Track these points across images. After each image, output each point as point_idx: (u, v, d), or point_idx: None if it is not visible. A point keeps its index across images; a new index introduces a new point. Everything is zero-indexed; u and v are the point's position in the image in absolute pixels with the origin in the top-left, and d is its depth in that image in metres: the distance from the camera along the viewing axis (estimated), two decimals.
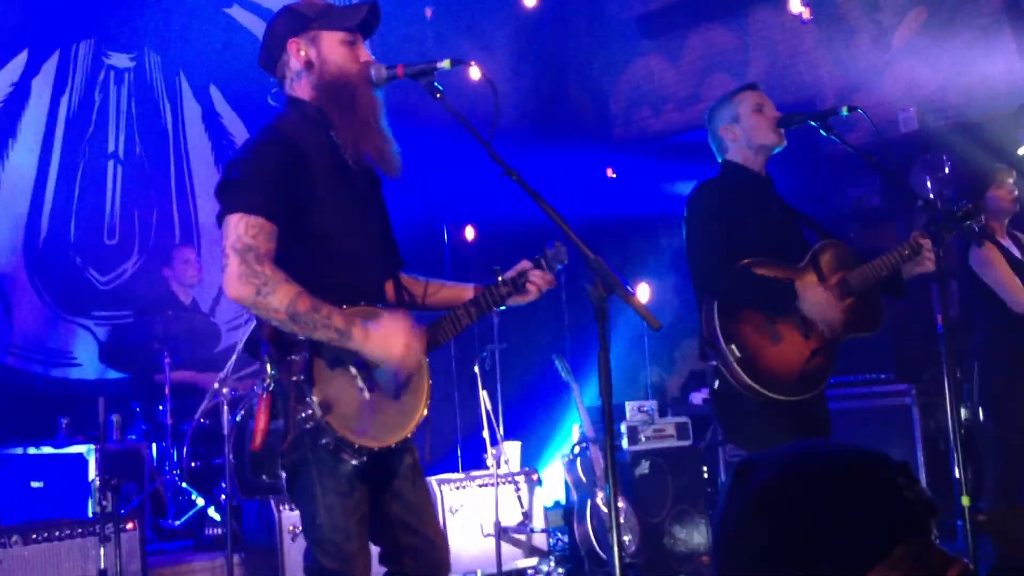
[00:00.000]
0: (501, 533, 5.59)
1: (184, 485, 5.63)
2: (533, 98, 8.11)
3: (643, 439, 6.17)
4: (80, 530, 4.44)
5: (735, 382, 3.72)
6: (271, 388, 2.79)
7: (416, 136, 7.84)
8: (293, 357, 2.75)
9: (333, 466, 2.76)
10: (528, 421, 7.13)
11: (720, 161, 4.08)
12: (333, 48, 2.92)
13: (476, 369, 6.11)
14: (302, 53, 2.92)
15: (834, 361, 3.83)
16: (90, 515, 5.38)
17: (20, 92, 6.63)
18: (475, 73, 3.51)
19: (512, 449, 6.33)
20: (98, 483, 5.29)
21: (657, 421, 6.32)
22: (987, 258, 5.03)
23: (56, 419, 5.81)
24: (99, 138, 6.98)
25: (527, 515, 5.80)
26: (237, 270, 2.67)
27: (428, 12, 8.13)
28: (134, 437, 5.99)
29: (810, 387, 3.79)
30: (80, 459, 5.52)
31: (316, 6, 2.97)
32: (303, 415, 2.72)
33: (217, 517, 5.47)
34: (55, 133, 6.79)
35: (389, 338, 2.74)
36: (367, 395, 2.78)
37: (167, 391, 5.65)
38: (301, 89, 2.96)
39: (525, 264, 3.18)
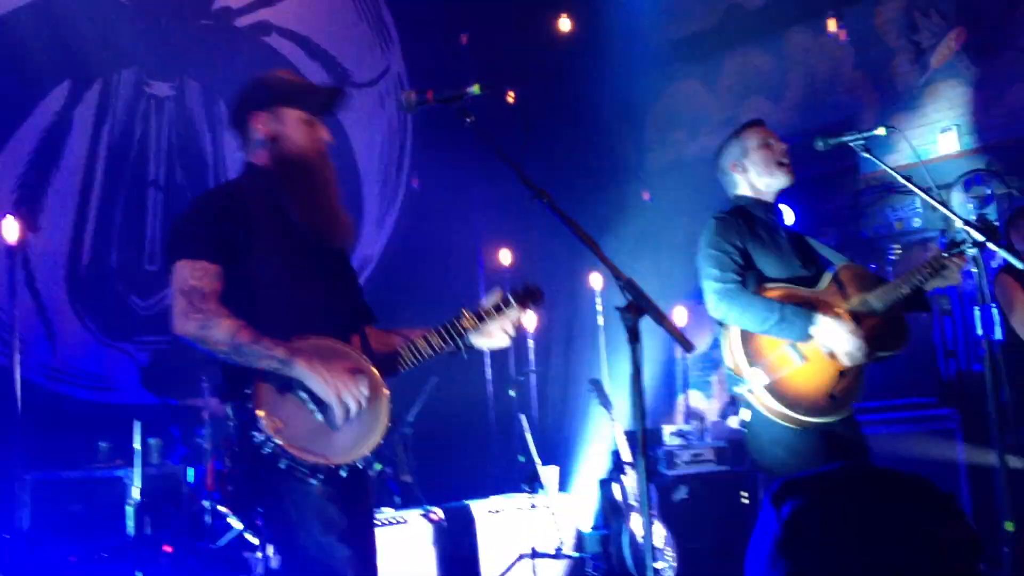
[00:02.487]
0: (536, 557, 5.55)
1: (220, 508, 5.65)
2: (569, 122, 8.11)
3: (681, 464, 6.12)
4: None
5: (763, 408, 3.73)
6: (232, 426, 2.94)
7: (450, 158, 7.96)
8: (245, 390, 2.89)
9: (297, 487, 2.84)
10: (566, 445, 7.09)
11: (731, 197, 4.16)
12: (294, 126, 3.10)
13: (512, 393, 6.10)
14: (265, 127, 3.10)
15: (862, 381, 3.82)
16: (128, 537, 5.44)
17: (63, 122, 6.73)
18: (506, 97, 3.53)
19: (549, 473, 6.29)
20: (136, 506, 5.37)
21: (695, 446, 6.26)
22: (1000, 283, 5.07)
23: (95, 443, 5.88)
24: (140, 166, 7.08)
25: (563, 540, 5.75)
26: (182, 309, 2.89)
27: (464, 39, 8.19)
28: (172, 462, 6.02)
29: (840, 409, 3.77)
30: (119, 482, 5.56)
31: (284, 82, 3.16)
32: (256, 442, 2.82)
33: (255, 540, 5.48)
34: (97, 161, 6.89)
35: (332, 366, 2.86)
36: (319, 417, 2.88)
37: (206, 416, 5.68)
38: (259, 158, 3.13)
39: (495, 298, 3.24)
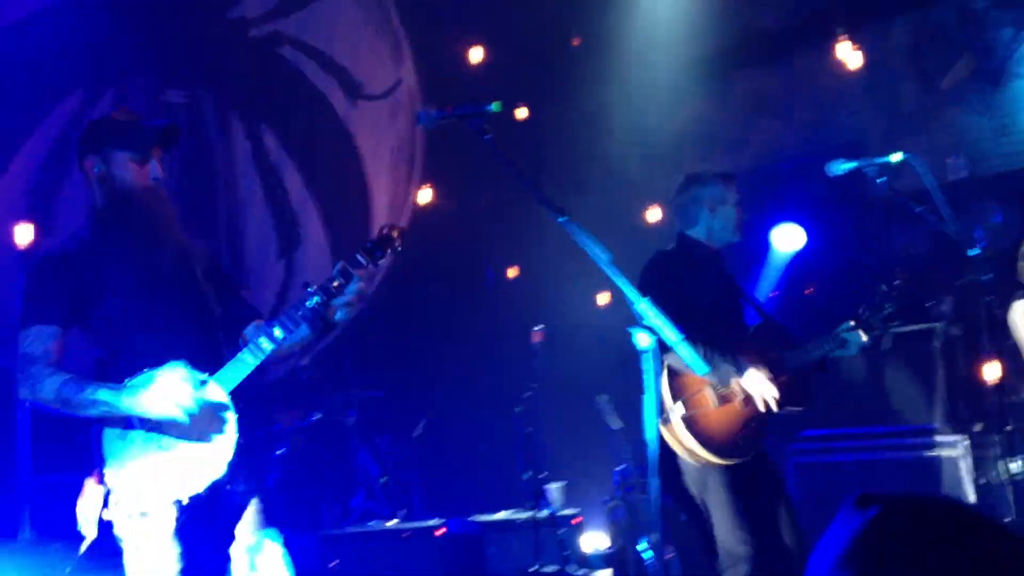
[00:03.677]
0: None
1: None
2: (579, 139, 8.13)
3: None
4: None
5: (675, 441, 3.95)
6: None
7: (459, 172, 7.97)
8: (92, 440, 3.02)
9: (151, 528, 2.96)
10: (572, 462, 7.08)
11: (678, 232, 4.34)
12: (124, 166, 3.20)
13: (517, 409, 6.11)
14: (95, 170, 3.22)
15: (766, 431, 4.09)
16: None
17: (76, 128, 6.76)
18: (521, 114, 3.53)
19: (555, 491, 6.28)
20: None
21: None
22: (1012, 316, 5.09)
23: None
24: None
25: (568, 559, 5.75)
26: (20, 376, 3.03)
27: (479, 50, 8.18)
28: None
29: (744, 452, 4.00)
30: None
31: (115, 123, 3.25)
32: (107, 495, 2.97)
33: None
34: None
35: (153, 395, 2.93)
36: (164, 452, 2.99)
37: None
38: (98, 198, 3.24)
39: (340, 265, 3.27)
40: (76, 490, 5.56)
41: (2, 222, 6.12)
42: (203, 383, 3.03)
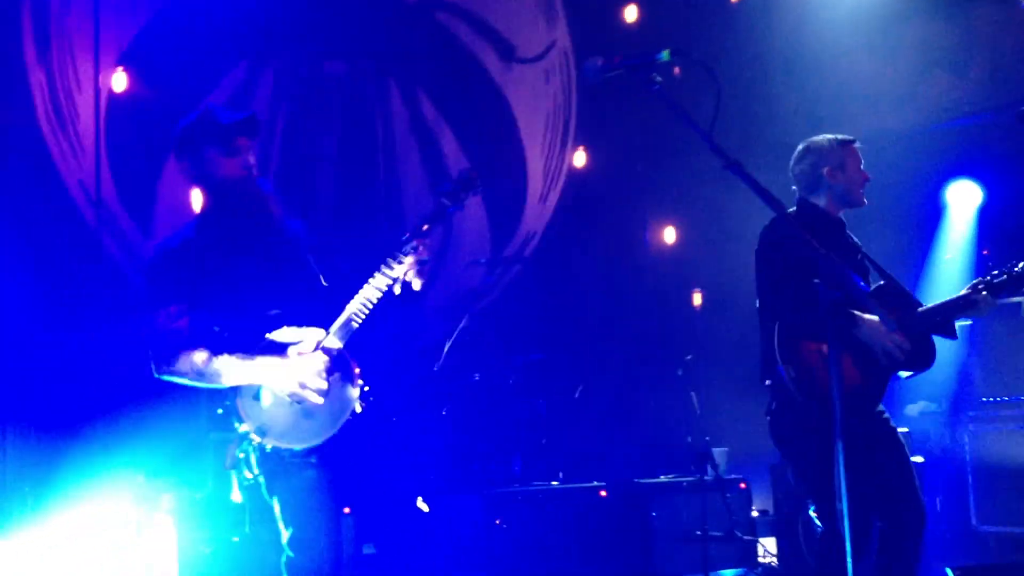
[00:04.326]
0: (707, 540, 5.47)
1: None
2: (737, 96, 7.92)
3: None
4: None
5: (785, 395, 3.92)
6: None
7: (614, 134, 7.87)
8: (226, 403, 3.30)
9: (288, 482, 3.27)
10: (734, 427, 6.95)
11: (799, 199, 4.26)
12: (215, 162, 3.44)
13: (680, 372, 6.02)
14: (191, 171, 3.47)
15: (883, 392, 4.02)
16: None
17: (242, 97, 6.94)
18: (694, 64, 3.46)
19: (719, 455, 6.18)
20: None
21: None
22: None
23: None
24: (314, 142, 7.25)
25: (735, 524, 5.65)
26: (152, 356, 3.33)
27: (633, 10, 8.04)
28: None
29: (862, 410, 3.93)
30: None
31: (199, 125, 3.47)
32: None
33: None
34: (274, 136, 7.09)
35: (282, 370, 3.25)
36: (290, 408, 3.28)
37: None
38: (200, 196, 3.55)
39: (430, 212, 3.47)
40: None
41: (178, 187, 6.35)
42: (325, 350, 3.33)
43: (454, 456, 6.17)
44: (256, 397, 3.27)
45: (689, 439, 6.01)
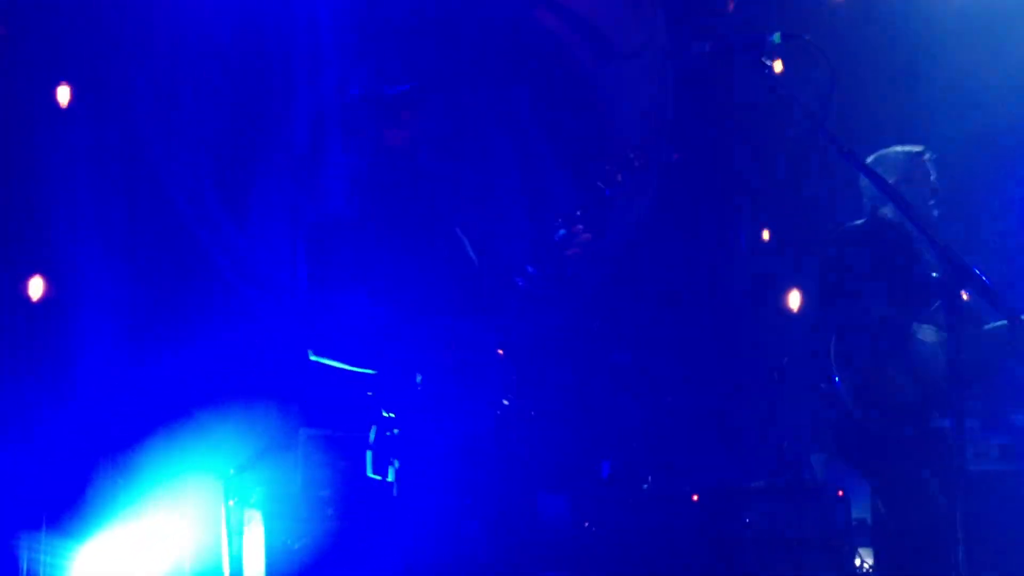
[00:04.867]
0: (802, 548, 5.31)
1: None
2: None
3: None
4: None
5: (840, 402, 4.08)
6: None
7: (711, 133, 7.70)
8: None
9: None
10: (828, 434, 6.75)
11: (870, 207, 4.34)
12: (380, 133, 3.50)
13: (776, 376, 5.84)
14: (357, 141, 3.55)
15: (941, 401, 4.05)
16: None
17: (332, 100, 6.91)
18: (778, 67, 3.40)
19: (817, 462, 6.00)
20: None
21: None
22: None
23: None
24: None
25: (831, 531, 5.47)
26: (310, 337, 3.37)
27: (731, 4, 7.89)
28: None
29: (915, 424, 4.05)
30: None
31: (379, 97, 3.50)
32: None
33: None
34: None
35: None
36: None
37: None
38: (362, 167, 3.62)
39: None
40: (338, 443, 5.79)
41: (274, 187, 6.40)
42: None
43: (544, 455, 6.09)
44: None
45: (784, 444, 5.84)
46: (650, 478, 6.27)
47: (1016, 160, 7.59)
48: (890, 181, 4.13)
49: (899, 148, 4.26)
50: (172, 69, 6.31)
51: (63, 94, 5.66)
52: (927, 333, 4.01)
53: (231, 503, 5.01)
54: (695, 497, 5.64)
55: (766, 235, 7.46)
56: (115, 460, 5.52)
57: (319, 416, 5.96)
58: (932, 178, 4.25)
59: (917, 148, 4.25)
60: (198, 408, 5.68)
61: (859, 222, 4.29)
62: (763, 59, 2.94)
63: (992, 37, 7.77)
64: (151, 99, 6.23)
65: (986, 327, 4.09)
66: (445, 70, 7.31)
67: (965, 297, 4.25)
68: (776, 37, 2.93)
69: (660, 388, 7.05)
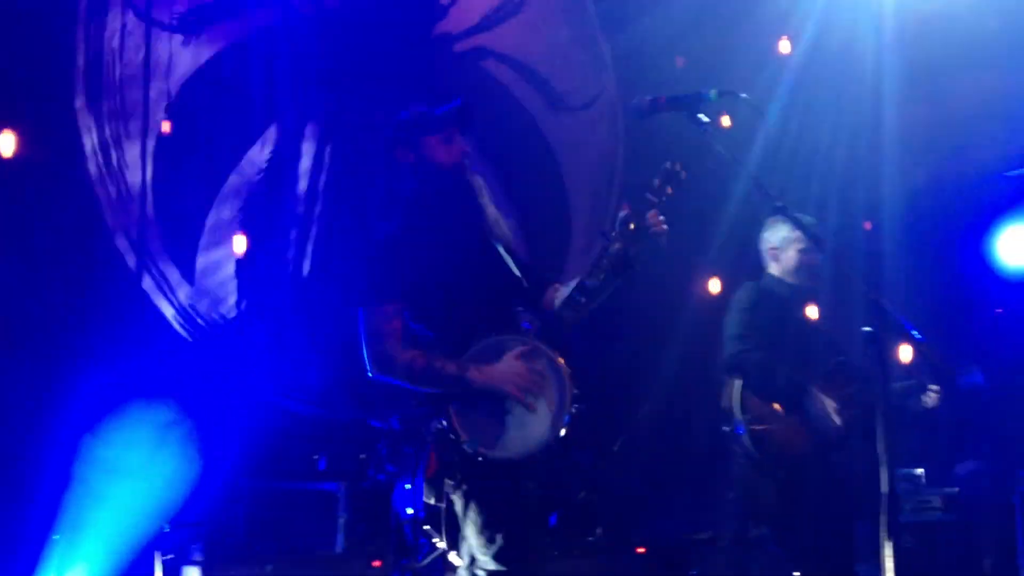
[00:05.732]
0: None
1: (426, 528, 5.65)
2: (787, 147, 7.82)
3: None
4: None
5: (743, 451, 4.34)
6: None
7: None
8: (444, 408, 3.20)
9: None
10: None
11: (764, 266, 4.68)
12: (433, 149, 3.46)
13: (725, 429, 5.86)
14: (407, 158, 3.47)
15: (832, 454, 4.40)
16: (338, 551, 5.53)
17: (288, 144, 6.95)
18: (741, 103, 3.43)
19: None
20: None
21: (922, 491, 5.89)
22: None
23: (311, 456, 6.02)
24: (361, 190, 7.24)
25: None
26: (369, 354, 3.27)
27: (679, 61, 8.04)
28: (380, 479, 6.09)
29: (809, 468, 4.31)
30: (330, 496, 5.67)
31: (416, 115, 3.52)
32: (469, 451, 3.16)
33: (458, 562, 5.45)
34: (318, 182, 7.09)
35: (502, 369, 3.18)
36: (505, 416, 3.18)
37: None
38: (411, 184, 3.49)
39: (627, 210, 3.42)
40: (283, 496, 5.71)
41: (224, 233, 6.37)
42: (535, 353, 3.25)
43: None
44: (469, 406, 3.19)
45: (731, 494, 5.84)
46: (599, 530, 6.25)
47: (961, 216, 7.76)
48: (767, 250, 4.67)
49: (785, 216, 4.39)
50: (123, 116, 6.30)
51: (6, 141, 5.60)
52: (818, 396, 4.31)
53: (168, 558, 4.90)
54: (641, 550, 5.63)
55: (714, 287, 7.51)
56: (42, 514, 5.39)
57: (261, 467, 5.91)
58: (805, 246, 4.49)
59: (804, 219, 4.38)
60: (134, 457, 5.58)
61: (751, 283, 4.61)
62: (699, 115, 2.98)
63: (937, 91, 7.96)
64: (100, 151, 6.21)
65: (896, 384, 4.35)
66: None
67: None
68: (713, 94, 2.98)
69: (609, 438, 7.05)
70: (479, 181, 3.49)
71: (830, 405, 4.32)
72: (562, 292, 3.48)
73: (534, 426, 3.20)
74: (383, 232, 3.42)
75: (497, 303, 3.38)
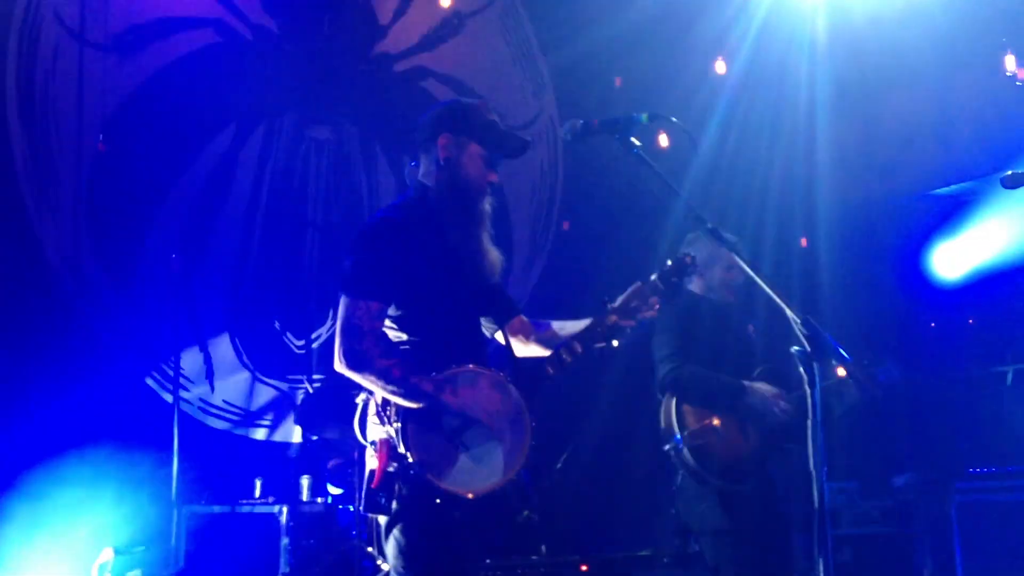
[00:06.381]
0: None
1: (369, 550, 5.62)
2: (725, 168, 7.93)
3: (844, 524, 5.83)
4: None
5: (684, 466, 4.34)
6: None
7: (599, 201, 7.83)
8: (394, 425, 3.06)
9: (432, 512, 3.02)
10: None
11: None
12: (471, 158, 3.28)
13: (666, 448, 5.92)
14: (446, 150, 3.27)
15: (769, 461, 4.45)
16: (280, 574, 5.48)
17: (228, 163, 6.95)
18: (672, 127, 3.48)
19: None
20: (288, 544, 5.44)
21: (859, 504, 5.96)
22: None
23: (251, 479, 5.96)
24: (299, 206, 7.24)
25: None
26: (341, 347, 3.07)
27: (618, 81, 8.13)
28: (324, 499, 6.05)
29: (749, 479, 4.34)
30: (273, 519, 5.62)
31: (480, 114, 3.32)
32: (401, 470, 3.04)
33: None
34: (259, 199, 7.07)
35: (476, 396, 3.08)
36: (462, 448, 3.07)
37: (357, 455, 5.69)
38: (430, 178, 3.31)
39: (637, 286, 3.37)
40: (222, 520, 5.66)
41: (162, 251, 6.32)
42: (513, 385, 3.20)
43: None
44: (429, 427, 3.04)
45: (674, 511, 5.89)
46: (543, 548, 6.26)
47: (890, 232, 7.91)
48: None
49: (707, 232, 4.43)
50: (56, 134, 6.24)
51: None
52: (756, 387, 4.38)
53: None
54: (584, 567, 5.64)
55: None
56: None
57: (201, 491, 5.84)
58: (727, 263, 4.52)
59: (726, 237, 4.44)
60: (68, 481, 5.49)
61: (672, 304, 4.64)
62: (631, 139, 3.02)
63: (870, 109, 8.13)
64: (30, 161, 6.14)
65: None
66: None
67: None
68: (644, 117, 3.02)
69: (552, 457, 7.06)
70: (488, 208, 3.34)
71: (770, 392, 4.39)
72: (530, 328, 3.49)
73: (486, 468, 3.08)
74: (385, 217, 3.25)
75: (476, 318, 3.37)
